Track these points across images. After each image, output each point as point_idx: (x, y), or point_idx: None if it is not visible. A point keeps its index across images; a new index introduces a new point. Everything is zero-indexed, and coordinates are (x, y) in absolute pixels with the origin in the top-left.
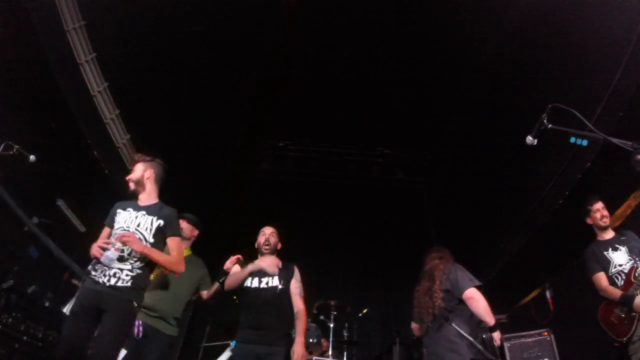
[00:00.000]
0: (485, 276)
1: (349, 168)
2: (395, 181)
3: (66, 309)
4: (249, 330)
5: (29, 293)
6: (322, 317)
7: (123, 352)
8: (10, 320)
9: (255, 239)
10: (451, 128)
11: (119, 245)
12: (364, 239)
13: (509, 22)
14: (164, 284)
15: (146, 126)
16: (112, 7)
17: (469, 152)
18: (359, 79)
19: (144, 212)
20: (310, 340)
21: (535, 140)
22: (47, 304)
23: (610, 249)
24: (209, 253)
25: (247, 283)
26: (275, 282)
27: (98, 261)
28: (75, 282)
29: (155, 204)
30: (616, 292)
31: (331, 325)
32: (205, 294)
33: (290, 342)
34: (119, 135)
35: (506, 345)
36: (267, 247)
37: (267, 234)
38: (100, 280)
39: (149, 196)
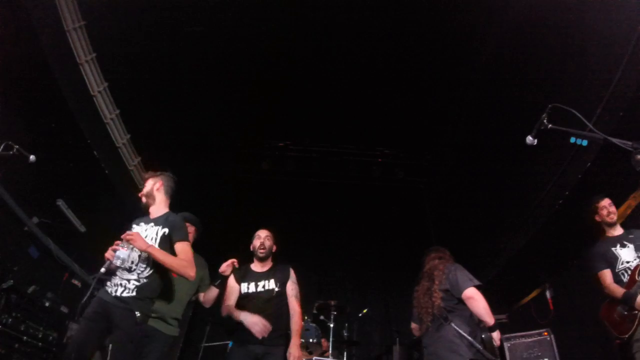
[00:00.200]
0: (485, 276)
1: (349, 168)
2: (395, 181)
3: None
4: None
5: (29, 293)
6: (322, 317)
7: (123, 252)
8: (10, 320)
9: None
10: (451, 128)
11: (125, 244)
12: (364, 239)
13: (509, 22)
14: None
15: (146, 126)
16: (112, 7)
17: (468, 152)
18: (359, 79)
19: (152, 224)
20: (310, 340)
21: (535, 140)
22: (47, 304)
23: (618, 245)
24: (209, 253)
25: (244, 289)
26: (271, 284)
27: (111, 271)
28: (75, 282)
29: (163, 215)
30: (619, 290)
31: (331, 325)
32: (202, 296)
33: (288, 342)
34: (119, 135)
35: (506, 345)
36: (262, 250)
37: (262, 238)
38: (109, 290)
39: (158, 207)
